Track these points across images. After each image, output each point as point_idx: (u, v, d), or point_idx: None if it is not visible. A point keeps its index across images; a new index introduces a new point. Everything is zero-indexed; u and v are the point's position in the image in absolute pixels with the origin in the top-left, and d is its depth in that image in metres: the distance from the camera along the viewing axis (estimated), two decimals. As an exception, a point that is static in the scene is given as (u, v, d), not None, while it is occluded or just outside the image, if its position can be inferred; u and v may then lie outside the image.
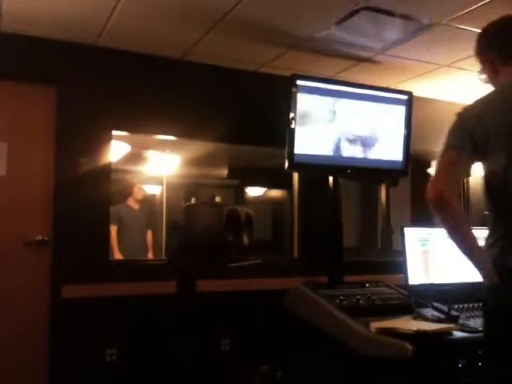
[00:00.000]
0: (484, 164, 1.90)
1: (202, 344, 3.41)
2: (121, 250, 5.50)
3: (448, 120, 5.02)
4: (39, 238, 3.33)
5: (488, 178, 1.87)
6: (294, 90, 3.32)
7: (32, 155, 3.38)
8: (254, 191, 7.34)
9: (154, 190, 6.61)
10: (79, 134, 3.42)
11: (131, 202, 5.88)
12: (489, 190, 1.87)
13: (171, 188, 6.39)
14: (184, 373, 3.36)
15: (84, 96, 3.45)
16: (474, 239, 1.84)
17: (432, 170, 5.02)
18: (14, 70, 3.31)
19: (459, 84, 4.23)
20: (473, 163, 1.90)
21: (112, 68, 3.57)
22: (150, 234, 5.95)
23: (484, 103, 1.92)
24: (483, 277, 1.82)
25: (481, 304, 2.85)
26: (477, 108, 1.93)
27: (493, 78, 2.03)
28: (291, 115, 3.31)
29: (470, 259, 1.84)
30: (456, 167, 1.86)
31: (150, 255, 5.84)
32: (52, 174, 3.37)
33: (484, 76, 2.09)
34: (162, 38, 3.38)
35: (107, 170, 3.52)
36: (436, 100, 4.61)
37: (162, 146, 5.30)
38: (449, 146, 1.90)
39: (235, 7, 2.91)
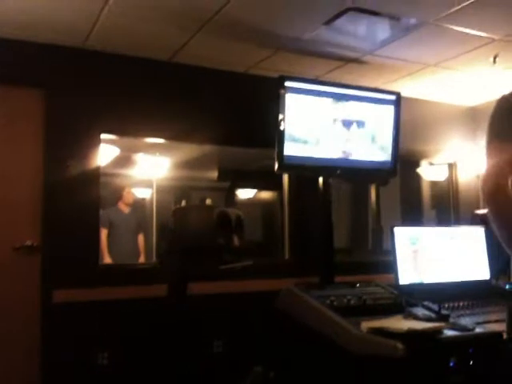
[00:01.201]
0: None
1: (194, 346, 3.40)
2: (111, 253, 5.47)
3: (436, 120, 5.05)
4: (28, 243, 3.30)
5: None
6: (282, 91, 3.32)
7: (20, 159, 3.36)
8: (244, 193, 7.33)
9: (144, 193, 6.58)
10: (68, 137, 3.40)
11: (122, 206, 5.85)
12: None
13: (161, 191, 6.37)
14: (177, 375, 3.35)
15: (72, 99, 3.44)
16: None
17: (422, 170, 5.05)
18: (2, 73, 3.29)
19: (447, 83, 4.25)
20: None
21: (100, 71, 3.56)
22: (141, 238, 5.92)
23: None
24: None
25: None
26: None
27: None
28: (280, 116, 3.31)
29: None
30: (503, 157, 1.77)
31: (142, 259, 5.82)
32: (41, 178, 3.36)
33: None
34: (150, 40, 3.38)
35: (96, 173, 3.50)
36: (424, 100, 4.64)
37: (152, 148, 5.29)
38: (493, 135, 1.81)
39: (222, 9, 2.91)
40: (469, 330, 2.45)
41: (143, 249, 5.89)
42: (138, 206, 6.23)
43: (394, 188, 5.27)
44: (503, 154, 1.75)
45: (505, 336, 2.12)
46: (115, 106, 3.56)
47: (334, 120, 3.48)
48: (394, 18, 3.06)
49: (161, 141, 3.91)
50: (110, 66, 3.59)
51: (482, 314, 2.74)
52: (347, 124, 3.52)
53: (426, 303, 2.70)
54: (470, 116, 4.77)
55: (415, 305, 2.73)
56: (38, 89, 3.39)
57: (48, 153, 3.38)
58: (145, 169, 6.02)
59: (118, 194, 5.79)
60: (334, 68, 3.85)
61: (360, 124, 3.56)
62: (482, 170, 1.79)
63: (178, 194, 6.55)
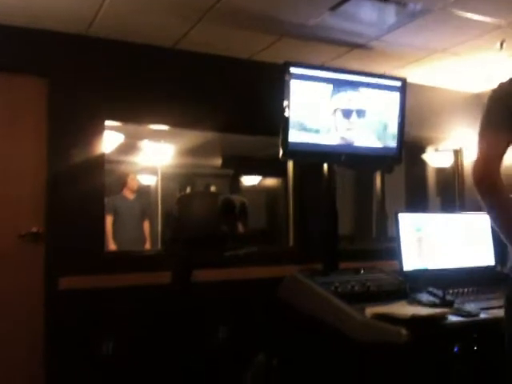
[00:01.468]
0: None
1: (198, 333, 3.42)
2: (116, 240, 5.49)
3: (442, 106, 5.02)
4: (34, 230, 3.31)
5: None
6: (287, 77, 3.30)
7: (24, 147, 3.36)
8: (249, 180, 7.33)
9: (149, 180, 6.59)
10: (72, 124, 3.40)
11: (126, 193, 5.87)
12: None
13: (166, 178, 6.38)
14: (181, 362, 3.37)
15: (76, 86, 3.43)
16: None
17: (428, 156, 5.03)
18: (5, 61, 3.28)
19: (453, 70, 4.22)
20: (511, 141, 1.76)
21: (104, 58, 3.54)
22: (147, 225, 5.94)
23: None
24: None
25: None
26: None
27: None
28: (285, 103, 3.30)
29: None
30: (496, 146, 1.74)
31: (148, 245, 5.84)
32: (45, 165, 3.36)
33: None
34: (154, 26, 3.35)
35: (101, 160, 3.50)
36: (430, 86, 4.61)
37: (156, 135, 5.28)
38: (487, 124, 1.78)
39: (227, -6, 2.89)
40: (473, 315, 2.46)
41: (149, 236, 5.91)
42: (143, 192, 6.25)
43: (399, 175, 5.26)
44: (495, 140, 1.76)
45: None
46: (119, 93, 3.54)
47: (339, 106, 3.47)
48: (400, 3, 3.03)
49: (165, 128, 3.90)
50: (114, 52, 3.57)
51: (487, 300, 2.74)
52: (352, 110, 3.51)
53: (430, 289, 2.70)
54: (476, 102, 4.74)
55: (419, 291, 2.73)
56: (41, 76, 3.37)
57: (52, 140, 3.37)
58: (149, 156, 6.02)
59: (122, 181, 5.80)
60: (340, 54, 3.82)
61: (365, 110, 3.54)
62: (473, 157, 1.77)
63: (182, 180, 6.56)
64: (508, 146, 1.76)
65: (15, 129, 3.34)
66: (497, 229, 1.74)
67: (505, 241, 1.75)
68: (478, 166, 1.73)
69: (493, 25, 3.31)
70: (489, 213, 1.73)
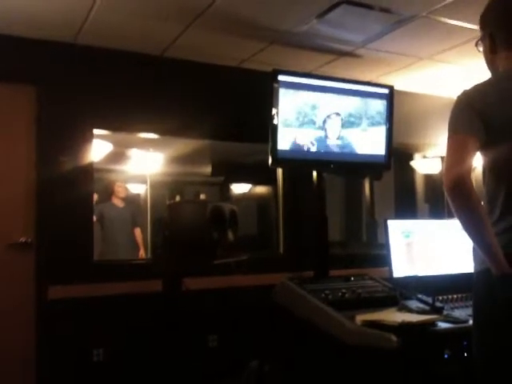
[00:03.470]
0: (492, 149, 1.76)
1: (189, 341, 3.40)
2: (107, 248, 5.46)
3: (429, 113, 5.04)
4: (23, 239, 3.30)
5: (498, 164, 1.75)
6: (275, 85, 3.31)
7: (13, 156, 3.34)
8: (239, 188, 7.32)
9: (139, 188, 6.56)
10: (60, 133, 3.39)
11: (115, 201, 5.84)
12: (498, 176, 1.75)
13: (155, 186, 6.35)
14: (172, 370, 3.35)
15: (64, 95, 3.42)
16: (490, 228, 1.69)
17: (416, 163, 5.06)
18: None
19: (440, 76, 4.26)
20: (479, 147, 1.74)
21: (92, 66, 3.54)
22: (138, 232, 5.90)
23: (489, 88, 1.84)
24: (495, 267, 1.67)
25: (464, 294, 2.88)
26: (484, 91, 1.84)
27: (489, 56, 1.96)
28: (273, 111, 3.30)
29: (483, 249, 1.70)
30: (466, 150, 1.71)
31: (142, 252, 5.81)
32: (34, 174, 3.35)
33: (481, 48, 1.99)
34: (142, 34, 3.36)
35: (89, 169, 3.49)
36: (418, 93, 4.64)
37: (145, 144, 5.26)
38: (455, 128, 1.76)
39: (215, 2, 2.90)
40: (462, 322, 2.46)
41: (141, 242, 5.87)
42: (133, 201, 6.22)
43: (388, 181, 5.28)
44: (465, 143, 1.76)
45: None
46: (108, 101, 3.54)
47: (328, 114, 3.47)
48: (386, 10, 3.05)
49: (154, 136, 3.89)
50: (102, 60, 3.57)
51: (476, 307, 2.74)
52: (341, 118, 3.52)
53: (419, 296, 2.71)
54: (464, 109, 4.78)
55: (409, 298, 2.73)
56: (30, 85, 3.38)
57: (41, 149, 3.36)
58: (138, 164, 6.00)
59: (109, 189, 5.78)
60: (328, 61, 3.84)
61: (353, 118, 3.55)
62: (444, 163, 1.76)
63: (172, 189, 6.54)
64: (477, 148, 1.75)
65: (3, 138, 3.33)
66: (467, 233, 1.72)
67: (477, 246, 1.74)
68: (449, 169, 1.72)
69: (479, 31, 3.34)
70: (459, 217, 1.70)
